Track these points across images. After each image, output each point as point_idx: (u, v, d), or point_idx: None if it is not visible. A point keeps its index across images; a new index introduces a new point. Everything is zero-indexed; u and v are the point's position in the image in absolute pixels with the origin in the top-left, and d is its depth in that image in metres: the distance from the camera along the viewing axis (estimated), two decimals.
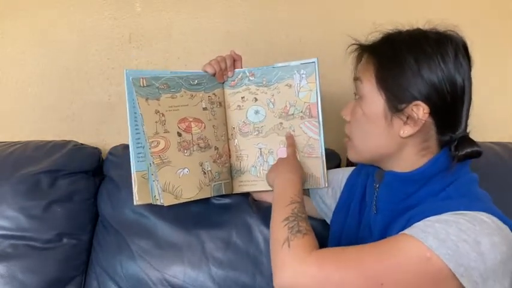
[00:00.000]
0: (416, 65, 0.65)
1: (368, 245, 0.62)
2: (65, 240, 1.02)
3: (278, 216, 0.71)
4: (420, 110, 0.65)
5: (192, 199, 0.87)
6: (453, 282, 0.57)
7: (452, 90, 0.65)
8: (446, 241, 0.57)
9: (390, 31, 0.71)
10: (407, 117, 0.66)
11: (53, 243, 1.01)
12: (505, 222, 0.62)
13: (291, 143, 0.90)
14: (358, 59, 0.74)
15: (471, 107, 0.69)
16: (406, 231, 0.61)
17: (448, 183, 0.67)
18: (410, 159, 0.69)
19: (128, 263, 0.98)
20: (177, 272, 0.95)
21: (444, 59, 0.65)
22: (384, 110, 0.68)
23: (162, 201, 0.83)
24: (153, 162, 0.82)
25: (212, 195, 0.91)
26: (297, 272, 0.61)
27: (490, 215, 0.61)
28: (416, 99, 0.65)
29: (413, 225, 0.61)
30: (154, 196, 0.86)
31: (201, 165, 0.88)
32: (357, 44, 0.74)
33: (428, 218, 0.61)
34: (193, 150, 0.88)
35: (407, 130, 0.66)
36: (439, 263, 0.56)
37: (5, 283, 0.95)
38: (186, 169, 0.86)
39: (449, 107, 0.66)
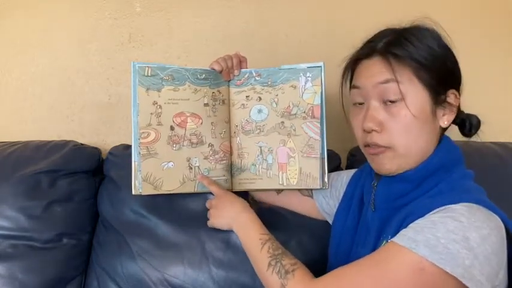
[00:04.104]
0: (449, 56, 0.70)
1: (363, 265, 0.63)
2: (65, 240, 1.02)
3: (260, 266, 0.74)
4: (453, 96, 0.70)
5: (173, 192, 0.89)
6: (452, 282, 0.57)
7: (460, 76, 0.71)
8: (437, 246, 0.58)
9: (395, 27, 0.72)
10: (446, 107, 0.70)
11: (53, 243, 1.01)
12: (495, 213, 0.63)
13: (209, 182, 0.90)
14: (383, 60, 0.69)
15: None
16: (396, 239, 0.62)
17: (441, 180, 0.69)
18: (428, 150, 0.71)
19: (128, 263, 0.98)
20: (177, 272, 0.95)
21: (452, 50, 0.71)
22: (430, 105, 0.69)
23: (140, 191, 0.86)
24: (139, 153, 0.84)
25: (196, 191, 0.92)
26: None
27: (478, 206, 0.62)
28: (451, 87, 0.70)
29: (402, 231, 0.62)
30: (136, 186, 0.87)
31: (188, 161, 0.90)
32: (370, 44, 0.72)
33: (416, 222, 0.62)
34: (182, 145, 0.89)
35: (447, 119, 0.70)
36: (434, 270, 0.57)
37: (5, 283, 0.95)
38: (171, 163, 0.88)
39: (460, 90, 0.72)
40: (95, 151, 1.13)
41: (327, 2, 1.25)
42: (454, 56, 0.71)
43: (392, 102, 0.68)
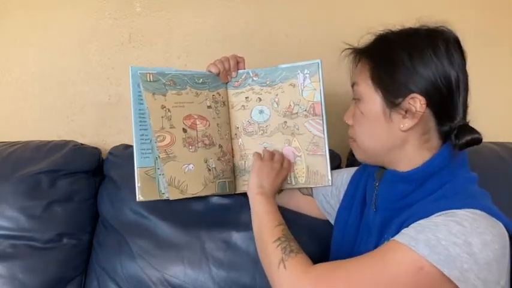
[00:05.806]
0: (409, 60, 0.67)
1: (362, 259, 0.63)
2: (65, 240, 1.02)
3: (269, 237, 0.74)
4: (417, 102, 0.67)
5: (197, 195, 0.87)
6: (449, 285, 0.57)
7: (447, 83, 0.67)
8: (437, 247, 0.57)
9: (381, 32, 0.73)
10: (406, 111, 0.68)
11: (53, 243, 1.01)
12: (500, 220, 0.62)
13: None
14: (354, 63, 0.76)
15: (469, 98, 0.70)
16: (397, 237, 0.62)
17: (445, 182, 0.68)
18: (413, 153, 0.70)
19: (128, 263, 0.98)
20: (177, 272, 0.95)
21: (436, 53, 0.67)
22: (382, 107, 0.70)
23: (167, 196, 0.84)
24: (159, 156, 0.83)
25: (216, 193, 0.91)
26: None
27: (482, 212, 0.61)
28: (412, 92, 0.67)
29: (404, 231, 0.62)
30: (161, 191, 0.86)
31: (206, 162, 0.89)
32: (350, 49, 0.76)
33: (418, 222, 0.62)
34: (198, 147, 0.88)
35: (407, 123, 0.68)
36: (432, 270, 0.57)
37: (5, 283, 0.95)
38: (191, 165, 0.87)
39: (446, 98, 0.67)
40: (95, 151, 1.13)
41: (327, 2, 1.25)
42: (423, 61, 0.66)
43: (357, 100, 0.74)
